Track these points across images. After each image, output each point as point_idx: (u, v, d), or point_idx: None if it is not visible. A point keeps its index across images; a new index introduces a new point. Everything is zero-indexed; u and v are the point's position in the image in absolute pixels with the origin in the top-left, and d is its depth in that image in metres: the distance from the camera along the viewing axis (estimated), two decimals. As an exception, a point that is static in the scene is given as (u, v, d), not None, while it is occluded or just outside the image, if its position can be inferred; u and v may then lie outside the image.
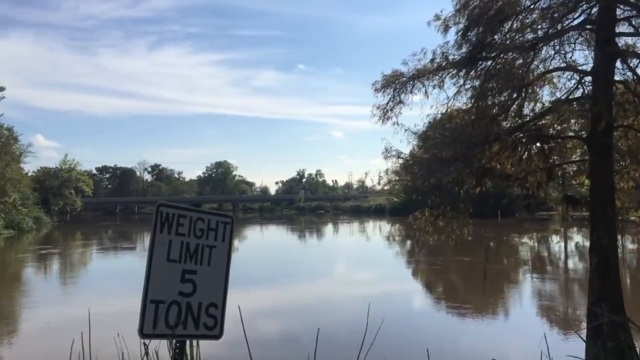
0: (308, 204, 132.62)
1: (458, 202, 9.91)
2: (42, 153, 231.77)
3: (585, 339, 8.31)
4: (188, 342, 3.45)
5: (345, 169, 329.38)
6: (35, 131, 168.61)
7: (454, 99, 11.28)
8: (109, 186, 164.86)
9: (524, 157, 9.79)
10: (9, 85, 59.50)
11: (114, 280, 23.63)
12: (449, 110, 11.26)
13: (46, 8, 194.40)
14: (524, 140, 9.29)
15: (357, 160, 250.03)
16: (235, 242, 47.86)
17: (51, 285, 23.50)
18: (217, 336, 3.62)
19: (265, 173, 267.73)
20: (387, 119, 10.44)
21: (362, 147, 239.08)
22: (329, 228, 67.33)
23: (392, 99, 10.35)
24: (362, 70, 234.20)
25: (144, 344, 3.20)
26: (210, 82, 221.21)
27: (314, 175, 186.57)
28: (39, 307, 17.18)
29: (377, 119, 10.47)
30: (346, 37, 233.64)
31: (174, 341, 3.35)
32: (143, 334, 3.29)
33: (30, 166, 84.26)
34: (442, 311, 16.74)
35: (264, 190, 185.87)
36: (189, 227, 3.59)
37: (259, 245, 44.55)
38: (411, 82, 10.39)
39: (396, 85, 10.25)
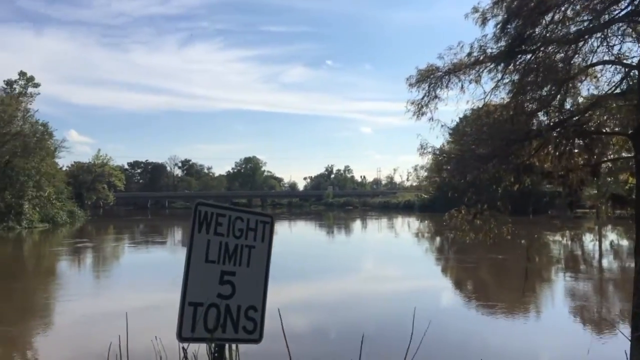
0: (336, 200, 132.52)
1: (496, 200, 9.62)
2: (75, 148, 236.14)
3: (630, 339, 7.97)
4: (227, 345, 3.33)
5: (374, 165, 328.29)
6: (69, 127, 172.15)
7: (491, 94, 11.01)
8: (141, 181, 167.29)
9: (565, 153, 9.44)
10: (44, 81, 61.00)
11: (147, 273, 23.87)
12: (486, 105, 10.98)
13: (79, 5, 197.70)
14: (567, 136, 8.94)
15: (386, 157, 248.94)
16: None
17: (86, 278, 23.84)
18: (257, 340, 3.49)
19: (294, 169, 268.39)
20: (422, 114, 10.20)
21: (391, 143, 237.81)
22: (358, 224, 67.09)
23: (427, 94, 10.10)
24: (391, 66, 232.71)
25: (183, 348, 3.09)
26: (239, 78, 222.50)
27: (342, 171, 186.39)
28: (75, 300, 17.41)
29: (411, 115, 10.24)
30: (375, 33, 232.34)
31: (213, 345, 3.23)
32: (182, 337, 3.18)
33: (64, 161, 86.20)
34: (479, 311, 16.40)
35: (293, 185, 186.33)
36: (228, 226, 3.45)
37: (288, 240, 44.56)
38: (447, 77, 10.13)
39: (431, 80, 10.00)
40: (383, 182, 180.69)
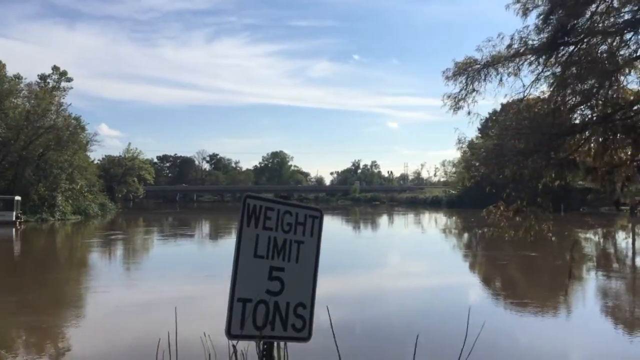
0: (363, 195, 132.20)
1: (536, 196, 9.36)
2: (106, 142, 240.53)
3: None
4: (275, 343, 3.23)
5: (401, 160, 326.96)
6: (99, 120, 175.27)
7: (531, 87, 10.73)
8: (169, 174, 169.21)
9: (609, 149, 9.13)
10: (75, 76, 61.80)
11: (179, 266, 24.04)
12: (525, 99, 10.70)
13: (110, 1, 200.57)
14: (614, 130, 8.64)
15: (413, 152, 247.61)
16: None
17: (120, 269, 24.09)
18: (306, 339, 3.38)
19: (320, 163, 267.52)
20: (459, 108, 9.98)
21: (418, 138, 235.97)
22: (386, 219, 66.73)
23: (464, 88, 9.87)
24: (419, 60, 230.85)
25: (233, 345, 3.00)
26: (265, 72, 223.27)
27: (369, 166, 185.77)
28: (110, 291, 17.57)
29: (448, 108, 10.02)
30: (402, 27, 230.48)
31: (262, 342, 3.13)
32: (230, 334, 3.09)
33: (95, 154, 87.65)
34: (515, 310, 16.05)
35: (319, 180, 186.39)
36: (277, 220, 3.35)
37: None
38: (485, 70, 9.88)
39: (469, 73, 9.76)
40: (410, 178, 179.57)
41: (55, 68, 62.11)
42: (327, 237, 3.47)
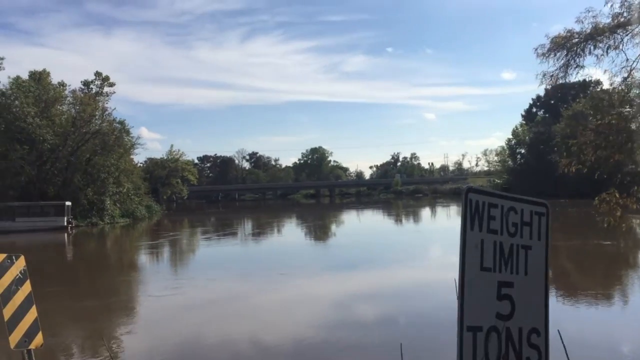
0: (406, 188, 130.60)
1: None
2: (147, 145, 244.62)
3: None
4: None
5: (439, 151, 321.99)
6: (139, 124, 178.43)
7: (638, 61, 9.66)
8: (210, 175, 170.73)
9: None
10: (115, 81, 62.17)
11: (252, 264, 23.55)
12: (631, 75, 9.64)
13: (144, 6, 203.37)
14: None
15: (451, 142, 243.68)
16: (349, 227, 47.36)
17: (201, 268, 23.70)
18: (545, 379, 2.56)
19: (359, 158, 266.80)
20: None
21: (456, 128, 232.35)
22: (435, 212, 65.23)
23: (564, 64, 8.87)
24: (453, 50, 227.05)
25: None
26: (300, 69, 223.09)
27: (408, 159, 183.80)
28: (176, 294, 17.14)
29: (546, 86, 9.03)
30: (435, 17, 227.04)
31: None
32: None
33: (138, 158, 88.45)
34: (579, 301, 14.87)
35: (359, 175, 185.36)
36: (501, 220, 2.53)
37: (377, 229, 43.71)
38: (585, 44, 8.87)
39: (571, 47, 8.75)
40: (450, 168, 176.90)
41: (97, 74, 62.78)
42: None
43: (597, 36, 9.54)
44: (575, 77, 9.23)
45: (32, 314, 4.71)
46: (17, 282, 4.70)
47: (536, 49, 9.77)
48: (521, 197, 2.69)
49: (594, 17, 9.53)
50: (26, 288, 4.74)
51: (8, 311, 4.59)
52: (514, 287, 2.51)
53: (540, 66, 9.87)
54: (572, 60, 9.35)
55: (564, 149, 78.44)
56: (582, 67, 9.31)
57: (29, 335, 4.65)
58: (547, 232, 2.70)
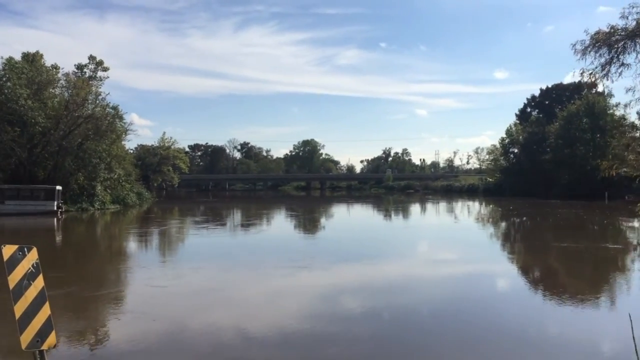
0: (397, 183, 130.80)
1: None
2: (138, 131, 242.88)
3: None
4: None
5: (430, 147, 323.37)
6: (130, 110, 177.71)
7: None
8: (201, 163, 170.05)
9: None
10: (108, 66, 61.33)
11: (267, 254, 23.24)
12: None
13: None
14: None
15: (442, 139, 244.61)
16: (348, 218, 47.10)
17: (201, 254, 23.40)
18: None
19: (350, 151, 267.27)
20: (595, 85, 8.72)
21: (447, 125, 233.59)
22: (428, 208, 65.11)
23: (607, 61, 8.58)
24: (447, 47, 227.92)
25: None
26: (293, 61, 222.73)
27: (400, 154, 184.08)
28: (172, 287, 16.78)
29: (584, 84, 8.74)
30: (430, 13, 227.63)
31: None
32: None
33: (129, 144, 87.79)
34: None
35: (350, 168, 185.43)
36: None
37: (369, 223, 43.50)
38: (630, 40, 8.57)
39: (616, 43, 8.45)
40: (441, 165, 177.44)
41: (91, 57, 61.81)
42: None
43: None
44: (617, 76, 8.90)
45: (45, 311, 4.40)
46: (30, 277, 4.38)
47: (574, 45, 9.40)
48: None
49: (638, 13, 9.20)
50: (39, 283, 4.43)
51: (19, 308, 4.27)
52: None
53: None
54: (615, 58, 9.00)
55: (558, 150, 78.40)
56: (628, 65, 8.98)
57: (42, 334, 4.33)
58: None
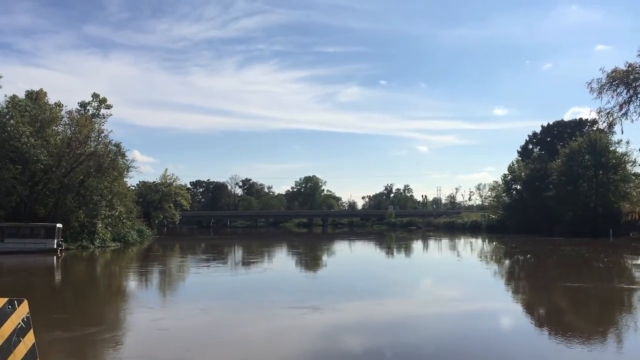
0: (399, 220, 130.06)
1: None
2: (140, 168, 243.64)
3: None
4: None
5: (432, 184, 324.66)
6: (132, 147, 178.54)
7: None
8: (202, 200, 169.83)
9: None
10: (111, 103, 61.88)
11: (274, 294, 22.69)
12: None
13: (143, 31, 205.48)
14: None
15: (444, 175, 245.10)
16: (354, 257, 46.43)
17: (214, 293, 22.90)
18: None
19: (352, 188, 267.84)
20: (613, 124, 8.49)
21: (448, 162, 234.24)
22: (433, 246, 64.44)
23: (626, 100, 8.36)
24: (447, 84, 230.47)
25: None
26: (295, 98, 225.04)
27: (402, 191, 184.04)
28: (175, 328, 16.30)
29: (601, 125, 8.53)
30: (430, 51, 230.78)
31: None
32: None
33: (131, 181, 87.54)
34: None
35: (352, 205, 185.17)
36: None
37: (375, 260, 42.90)
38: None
39: (634, 81, 8.25)
40: (443, 201, 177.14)
41: (94, 95, 62.45)
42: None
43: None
44: (638, 116, 8.68)
45: (35, 371, 4.01)
46: (19, 333, 4.03)
47: (589, 83, 9.34)
48: None
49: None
50: (29, 340, 4.07)
51: (7, 368, 3.88)
52: None
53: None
54: (634, 96, 8.78)
55: (561, 187, 77.93)
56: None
57: (31, 397, 3.94)
58: None
